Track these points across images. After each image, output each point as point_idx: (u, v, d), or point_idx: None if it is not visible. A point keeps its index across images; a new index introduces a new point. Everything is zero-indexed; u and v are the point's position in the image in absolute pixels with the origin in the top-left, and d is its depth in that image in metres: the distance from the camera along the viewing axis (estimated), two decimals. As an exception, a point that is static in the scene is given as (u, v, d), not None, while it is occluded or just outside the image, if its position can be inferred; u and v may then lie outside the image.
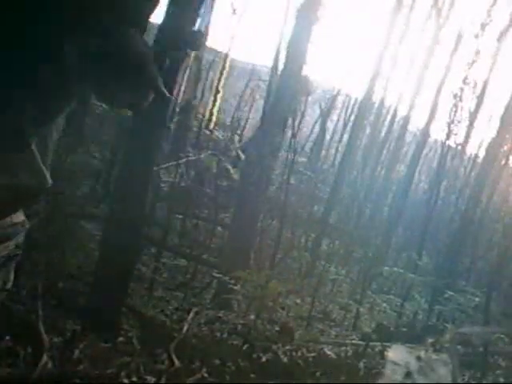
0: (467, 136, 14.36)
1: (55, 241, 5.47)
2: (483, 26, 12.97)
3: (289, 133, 9.12)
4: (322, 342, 5.73)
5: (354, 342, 6.01)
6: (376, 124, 15.85)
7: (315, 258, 8.28)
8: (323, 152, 18.47)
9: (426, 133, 13.65)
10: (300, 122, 12.13)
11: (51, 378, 3.19)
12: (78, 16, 1.17)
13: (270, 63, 13.91)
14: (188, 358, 3.88)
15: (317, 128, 18.60)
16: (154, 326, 4.61)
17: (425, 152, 15.43)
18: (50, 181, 1.28)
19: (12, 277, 1.37)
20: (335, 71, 33.06)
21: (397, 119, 15.37)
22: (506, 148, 12.27)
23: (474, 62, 13.17)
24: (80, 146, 8.77)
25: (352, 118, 16.63)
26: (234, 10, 17.10)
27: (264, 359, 4.39)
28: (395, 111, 15.32)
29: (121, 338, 4.05)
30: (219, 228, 8.56)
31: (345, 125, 18.26)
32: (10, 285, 1.38)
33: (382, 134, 15.86)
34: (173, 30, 4.29)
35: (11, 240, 1.30)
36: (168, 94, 1.27)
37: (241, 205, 6.92)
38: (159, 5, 1.34)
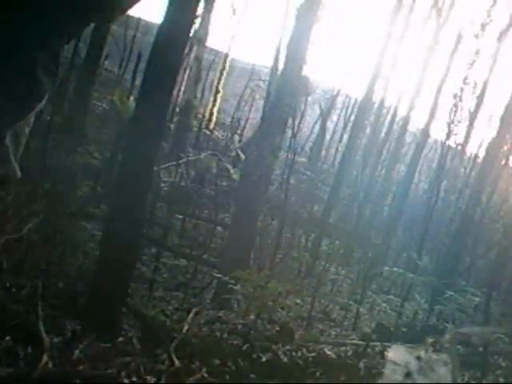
0: (467, 136, 14.37)
1: (55, 241, 5.48)
2: (483, 26, 12.98)
3: (289, 133, 9.13)
4: (322, 341, 5.72)
5: (354, 342, 6.00)
6: (376, 124, 15.85)
7: (315, 258, 8.28)
8: (323, 152, 18.48)
9: (426, 133, 13.65)
10: (300, 122, 12.15)
11: (51, 378, 3.19)
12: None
13: (270, 63, 13.95)
14: (188, 358, 3.88)
15: (317, 128, 18.61)
16: (154, 326, 4.61)
17: (425, 152, 15.43)
18: (19, 174, 1.33)
19: None
20: (335, 71, 33.10)
21: (397, 119, 15.37)
22: (506, 148, 12.26)
23: (474, 62, 13.18)
24: (80, 145, 8.78)
25: (352, 118, 16.64)
26: (234, 10, 17.15)
27: (264, 359, 4.39)
28: (395, 111, 15.32)
29: (121, 338, 4.05)
30: (219, 228, 8.57)
31: (345, 125, 18.28)
32: None
33: (382, 134, 15.86)
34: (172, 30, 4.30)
35: None
36: None
37: (241, 205, 6.92)
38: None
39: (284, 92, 6.69)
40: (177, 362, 3.74)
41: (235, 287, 5.19)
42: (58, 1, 1.21)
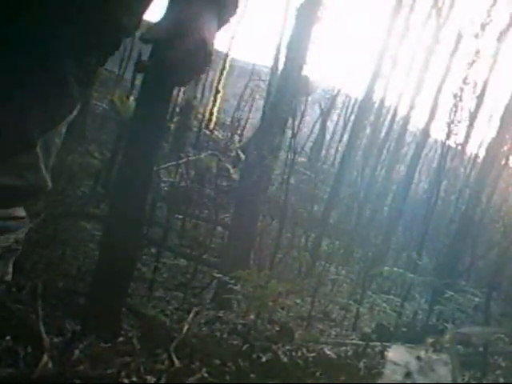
0: (467, 136, 14.37)
1: (55, 241, 5.48)
2: (483, 26, 12.98)
3: (289, 133, 9.12)
4: (322, 341, 5.72)
5: (353, 342, 6.00)
6: (376, 124, 15.86)
7: (315, 258, 8.27)
8: (323, 152, 18.50)
9: (426, 133, 13.65)
10: (300, 122, 12.13)
11: (51, 377, 3.19)
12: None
13: (270, 63, 13.94)
14: (188, 358, 3.88)
15: (317, 128, 18.61)
16: (153, 326, 4.61)
17: (425, 152, 15.43)
18: (50, 184, 1.31)
19: (11, 270, 1.38)
20: (335, 71, 33.14)
21: (397, 119, 15.38)
22: (506, 148, 12.26)
23: (473, 62, 13.18)
24: (80, 146, 8.78)
25: (352, 117, 16.65)
26: (234, 10, 17.13)
27: (264, 359, 4.38)
28: (395, 111, 15.33)
29: (121, 338, 4.05)
30: (219, 228, 8.56)
31: (345, 125, 18.30)
32: (9, 277, 1.39)
33: (382, 134, 15.86)
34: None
35: (11, 233, 1.31)
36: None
37: (241, 205, 6.91)
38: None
39: (284, 92, 6.68)
40: (177, 362, 3.74)
41: (235, 287, 5.18)
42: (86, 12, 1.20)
